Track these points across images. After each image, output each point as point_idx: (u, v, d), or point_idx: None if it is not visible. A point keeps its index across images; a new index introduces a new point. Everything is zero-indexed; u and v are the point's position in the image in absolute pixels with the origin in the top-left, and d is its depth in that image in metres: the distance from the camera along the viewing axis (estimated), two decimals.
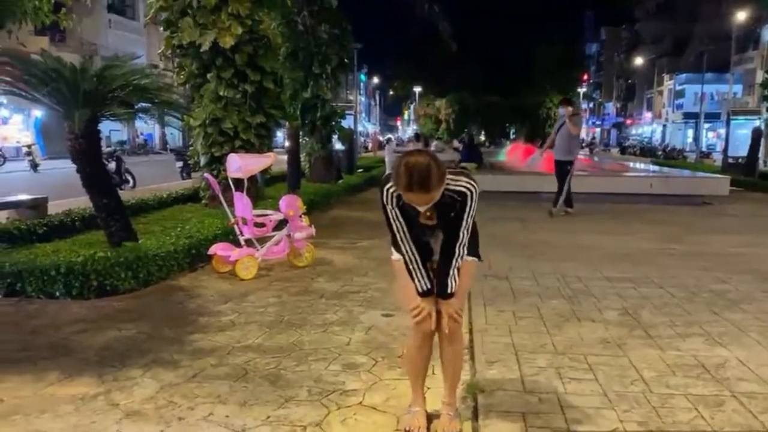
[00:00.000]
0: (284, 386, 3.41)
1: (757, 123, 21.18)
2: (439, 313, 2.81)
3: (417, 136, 27.12)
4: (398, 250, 2.84)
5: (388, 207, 2.73)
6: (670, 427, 2.90)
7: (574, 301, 5.14)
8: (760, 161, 21.25)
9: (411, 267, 2.81)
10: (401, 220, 2.75)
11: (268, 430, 2.91)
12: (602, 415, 3.03)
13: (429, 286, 2.81)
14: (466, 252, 2.78)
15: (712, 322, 4.58)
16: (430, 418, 2.96)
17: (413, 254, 2.79)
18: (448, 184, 2.61)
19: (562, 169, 10.38)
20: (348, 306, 4.99)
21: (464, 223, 2.71)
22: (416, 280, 2.81)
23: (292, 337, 4.23)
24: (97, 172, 5.98)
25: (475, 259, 2.93)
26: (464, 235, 2.74)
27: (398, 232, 2.78)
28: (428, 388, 3.11)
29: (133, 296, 5.24)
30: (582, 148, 51.15)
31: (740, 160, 19.86)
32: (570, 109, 10.33)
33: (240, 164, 6.28)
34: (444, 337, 2.87)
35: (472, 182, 2.70)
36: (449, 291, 2.78)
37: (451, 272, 2.77)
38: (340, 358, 3.84)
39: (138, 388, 3.38)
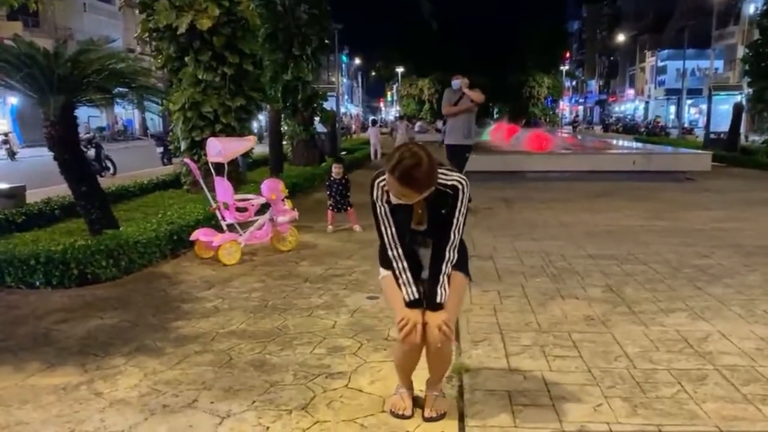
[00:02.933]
0: (269, 371, 3.39)
1: (738, 98, 21.36)
2: (425, 325, 2.62)
3: (400, 117, 27.07)
4: (385, 259, 2.72)
5: (378, 203, 2.66)
6: (654, 402, 2.92)
7: (558, 279, 5.16)
8: (742, 136, 21.44)
9: (398, 273, 2.68)
10: (390, 219, 2.67)
11: (254, 416, 2.89)
12: (587, 391, 3.05)
13: (417, 296, 2.66)
14: (456, 256, 2.67)
15: (694, 297, 4.62)
16: (417, 399, 2.96)
17: (401, 259, 2.67)
18: (440, 178, 2.57)
19: (461, 157, 8.62)
20: (333, 289, 4.98)
21: (455, 221, 2.64)
22: (403, 289, 2.66)
23: (276, 321, 4.21)
24: (75, 160, 5.89)
25: (466, 277, 2.81)
26: (455, 236, 2.65)
27: (386, 231, 2.69)
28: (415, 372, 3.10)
29: (115, 284, 5.19)
30: (566, 125, 51.24)
31: (722, 136, 20.05)
32: (467, 80, 8.70)
33: (220, 148, 6.21)
34: (431, 348, 2.69)
35: (463, 177, 2.65)
36: (439, 300, 2.62)
37: (441, 279, 2.64)
38: (325, 342, 3.82)
39: (121, 376, 3.34)
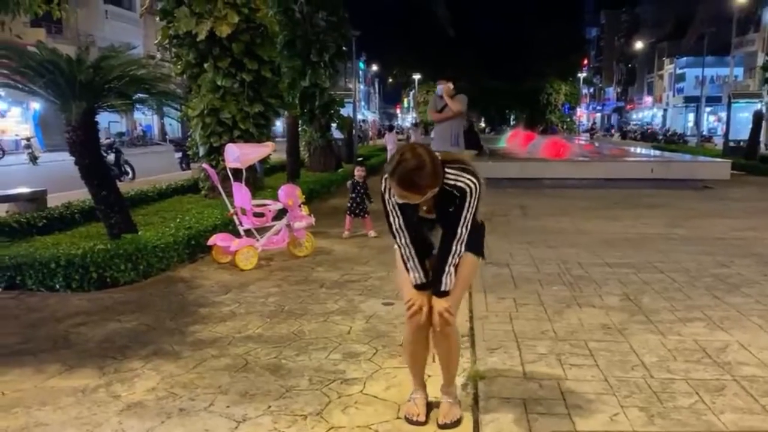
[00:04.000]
0: (285, 376, 3.41)
1: (758, 106, 21.11)
2: (432, 308, 2.74)
3: (415, 124, 27.13)
4: (395, 241, 2.81)
5: (386, 196, 2.70)
6: (671, 412, 2.90)
7: (574, 287, 5.13)
8: (761, 145, 21.19)
9: (405, 259, 2.77)
10: (398, 211, 2.71)
11: (269, 420, 2.90)
12: (603, 401, 3.03)
13: (423, 280, 2.77)
14: (463, 249, 2.70)
15: (713, 306, 4.57)
16: (431, 406, 2.96)
17: (408, 246, 2.75)
18: (447, 178, 2.58)
19: None
20: (348, 295, 4.99)
21: (463, 220, 2.65)
22: (411, 273, 2.77)
23: (292, 326, 4.23)
24: (96, 164, 5.96)
25: (478, 256, 2.86)
26: (462, 232, 2.67)
27: (394, 222, 2.74)
28: (429, 376, 3.11)
29: (133, 288, 5.24)
30: (584, 132, 50.84)
31: (741, 144, 19.80)
32: (450, 85, 8.35)
33: (238, 154, 6.26)
34: (436, 333, 2.82)
35: (474, 179, 2.62)
36: (443, 288, 2.71)
37: (446, 269, 2.70)
38: (340, 347, 3.83)
39: (139, 379, 3.38)
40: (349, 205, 7.55)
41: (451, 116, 8.17)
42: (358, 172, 7.54)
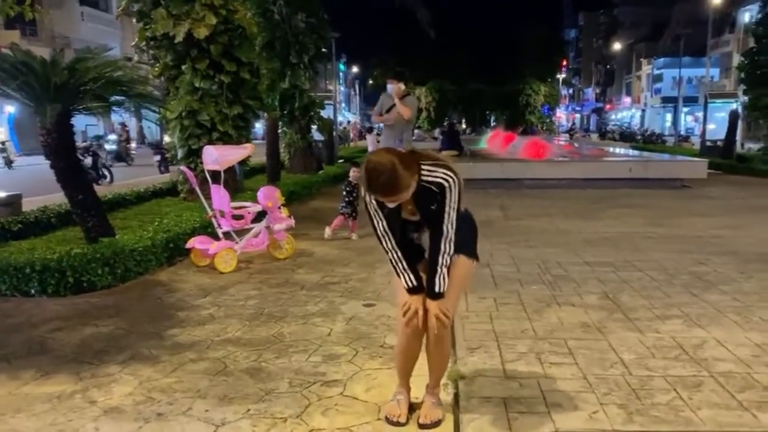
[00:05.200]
0: (265, 379, 3.38)
1: (734, 106, 21.39)
2: (427, 311, 2.71)
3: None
4: (381, 245, 2.78)
5: (367, 199, 2.68)
6: (649, 409, 2.92)
7: (554, 286, 5.16)
8: (738, 143, 21.50)
9: (394, 264, 2.74)
10: (381, 214, 2.69)
11: (249, 424, 2.88)
12: (582, 398, 3.04)
13: (415, 283, 2.73)
14: (452, 248, 2.67)
15: (690, 303, 4.62)
16: (413, 407, 2.96)
17: (395, 250, 2.72)
18: (423, 174, 2.57)
19: None
20: (329, 297, 4.97)
21: (447, 217, 2.63)
22: (402, 277, 2.74)
23: (272, 329, 4.20)
24: (72, 168, 5.88)
25: (471, 258, 2.83)
26: (448, 230, 2.65)
27: (378, 226, 2.72)
28: (413, 376, 3.09)
29: (111, 292, 5.17)
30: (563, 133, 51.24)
31: (718, 143, 20.06)
32: (402, 86, 7.61)
33: (216, 156, 6.21)
34: (430, 337, 2.80)
35: (451, 173, 2.61)
36: (437, 290, 2.68)
37: (438, 270, 2.67)
38: (320, 350, 3.81)
39: (116, 384, 3.33)
40: (342, 205, 7.50)
41: (392, 122, 7.51)
42: (354, 173, 7.49)
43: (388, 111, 7.52)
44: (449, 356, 2.99)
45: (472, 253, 2.85)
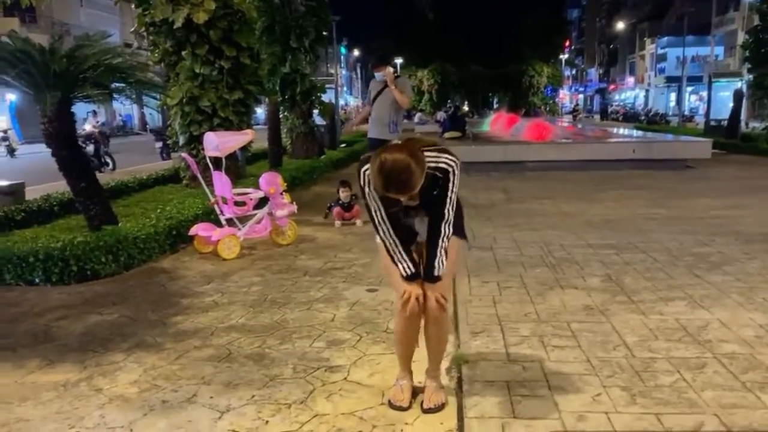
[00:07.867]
0: (269, 365, 3.39)
1: (738, 85, 21.25)
2: (425, 295, 2.72)
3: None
4: (377, 233, 2.77)
5: (366, 189, 2.67)
6: (652, 391, 2.92)
7: (557, 269, 5.15)
8: (742, 123, 21.36)
9: (391, 252, 2.73)
10: (379, 203, 2.67)
11: (253, 410, 2.89)
12: (585, 381, 3.05)
13: (413, 270, 2.73)
14: (452, 231, 2.69)
15: (694, 285, 4.61)
16: (416, 391, 2.96)
17: (392, 238, 2.71)
18: (429, 162, 2.55)
19: None
20: (332, 282, 4.97)
21: (448, 200, 2.65)
22: (399, 265, 2.73)
23: (275, 315, 4.21)
24: (73, 156, 5.88)
25: (461, 239, 2.85)
26: (449, 213, 2.66)
27: (376, 214, 2.71)
28: (415, 362, 3.10)
29: (115, 280, 5.19)
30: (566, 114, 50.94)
31: (722, 123, 19.95)
32: (391, 69, 7.20)
33: (217, 142, 6.19)
34: (429, 319, 2.81)
35: (453, 158, 2.64)
36: (436, 274, 2.69)
37: (438, 253, 2.68)
38: (324, 335, 3.82)
39: (121, 372, 3.35)
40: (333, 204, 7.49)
41: (389, 104, 7.12)
42: (343, 193, 7.45)
43: (376, 97, 7.20)
44: (447, 338, 2.99)
45: (462, 233, 2.87)
